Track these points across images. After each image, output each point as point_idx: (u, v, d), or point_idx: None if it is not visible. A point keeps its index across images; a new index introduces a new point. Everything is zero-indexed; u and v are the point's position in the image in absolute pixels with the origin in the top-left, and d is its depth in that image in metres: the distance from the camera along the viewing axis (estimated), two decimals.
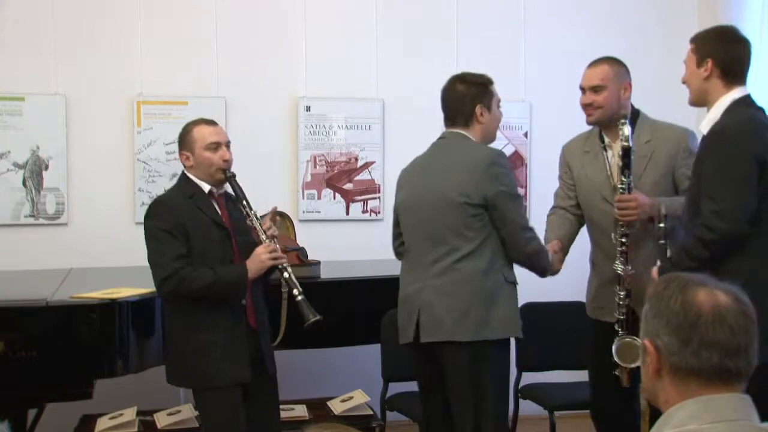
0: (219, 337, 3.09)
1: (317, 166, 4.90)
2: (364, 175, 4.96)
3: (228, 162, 3.21)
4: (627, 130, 3.21)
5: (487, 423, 3.12)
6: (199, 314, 3.09)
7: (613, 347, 3.17)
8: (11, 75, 4.53)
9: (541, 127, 5.16)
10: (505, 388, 3.24)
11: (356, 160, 4.95)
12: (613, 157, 3.39)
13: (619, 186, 3.26)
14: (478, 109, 3.20)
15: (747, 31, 4.76)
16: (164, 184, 4.66)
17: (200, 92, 4.72)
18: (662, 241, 3.02)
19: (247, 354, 3.15)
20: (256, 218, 3.21)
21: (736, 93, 2.89)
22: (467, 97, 3.21)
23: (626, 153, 3.22)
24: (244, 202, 3.22)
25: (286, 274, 3.18)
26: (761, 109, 2.91)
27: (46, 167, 4.54)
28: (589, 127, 3.56)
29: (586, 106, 3.43)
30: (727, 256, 2.74)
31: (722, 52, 2.89)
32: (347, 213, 4.94)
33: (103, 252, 4.54)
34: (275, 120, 4.86)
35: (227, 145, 3.24)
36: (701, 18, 5.28)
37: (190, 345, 3.09)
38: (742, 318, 1.50)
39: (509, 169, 3.24)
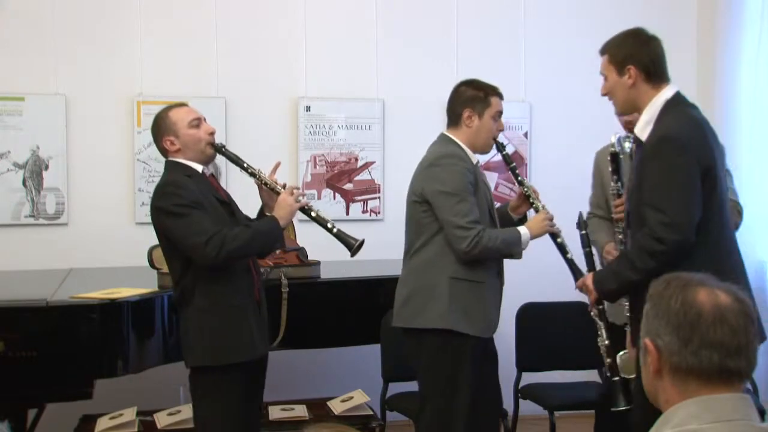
0: (246, 313, 3.09)
1: (317, 166, 4.90)
2: (364, 175, 4.96)
3: (213, 135, 3.17)
4: (615, 137, 3.29)
5: (425, 413, 3.26)
6: (221, 293, 3.05)
7: (618, 361, 3.13)
8: (11, 75, 4.53)
9: (541, 127, 5.16)
10: (453, 383, 3.20)
11: (356, 160, 4.95)
12: (630, 166, 3.42)
13: (611, 192, 3.34)
14: (466, 113, 3.29)
15: (747, 31, 4.83)
16: None
17: (200, 92, 4.72)
18: (587, 249, 3.13)
19: (263, 328, 3.20)
20: (263, 174, 3.20)
21: (666, 92, 2.81)
22: (460, 99, 3.33)
23: (614, 158, 3.29)
24: (245, 164, 3.19)
25: (314, 213, 3.16)
26: (695, 107, 2.85)
27: (46, 167, 4.54)
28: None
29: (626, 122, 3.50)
30: (674, 266, 2.61)
31: (641, 55, 2.84)
32: (347, 213, 4.94)
33: (103, 252, 4.54)
34: (275, 120, 4.86)
35: (204, 119, 3.20)
36: (701, 18, 5.29)
37: (219, 322, 3.04)
38: (743, 318, 1.50)
39: (457, 168, 3.23)
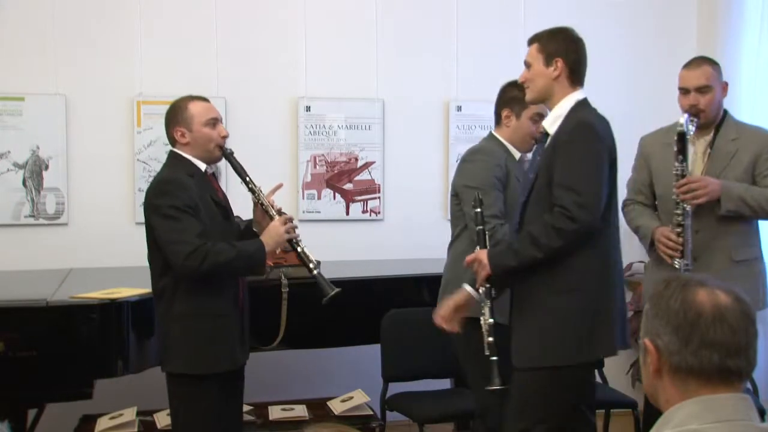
0: (229, 322, 3.08)
1: (317, 166, 4.90)
2: (364, 175, 4.96)
3: (225, 139, 3.15)
4: (683, 118, 3.32)
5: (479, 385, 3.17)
6: (205, 301, 3.03)
7: None
8: (11, 75, 4.52)
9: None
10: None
11: (356, 160, 4.95)
12: (695, 154, 3.48)
13: (674, 172, 3.33)
14: (505, 112, 3.44)
15: (747, 31, 4.83)
16: None
17: (200, 92, 4.62)
18: (480, 227, 3.03)
19: (245, 336, 3.19)
20: (262, 194, 3.18)
21: (578, 94, 2.94)
22: (501, 99, 3.49)
23: (681, 138, 3.31)
24: (248, 178, 3.18)
25: (299, 248, 3.14)
26: (596, 111, 2.98)
27: (46, 167, 4.54)
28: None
29: (691, 107, 3.43)
30: (576, 248, 2.75)
31: (570, 51, 2.94)
32: (347, 213, 4.94)
33: (103, 252, 4.54)
34: (275, 120, 4.86)
35: (221, 120, 3.20)
36: (701, 18, 5.29)
37: (202, 330, 3.03)
38: (743, 318, 1.50)
39: (483, 163, 3.34)
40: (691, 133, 3.35)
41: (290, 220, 3.16)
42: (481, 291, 2.97)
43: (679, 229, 3.32)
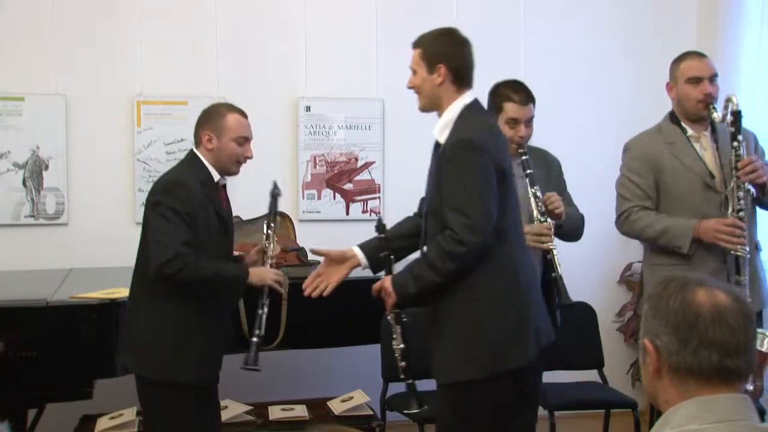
0: (206, 334, 3.04)
1: (317, 166, 4.90)
2: (364, 175, 4.96)
3: (247, 160, 3.15)
4: (735, 98, 3.36)
5: None
6: (187, 309, 3.00)
7: None
8: (11, 75, 4.52)
9: (540, 127, 5.13)
10: None
11: (356, 160, 4.95)
12: (703, 149, 3.45)
13: (734, 154, 3.29)
14: None
15: (747, 31, 4.83)
16: None
17: (200, 92, 4.72)
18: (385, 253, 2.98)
19: (222, 352, 3.14)
20: (271, 246, 3.20)
21: (466, 98, 2.85)
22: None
23: (737, 118, 3.30)
24: (272, 224, 3.20)
25: (266, 309, 3.14)
26: (490, 114, 2.96)
27: (46, 167, 4.54)
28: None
29: (707, 96, 3.40)
30: (472, 267, 2.71)
31: (453, 56, 2.85)
32: (347, 213, 4.94)
33: (103, 252, 4.53)
34: (275, 120, 4.86)
35: (250, 141, 3.18)
36: (701, 18, 5.29)
37: (176, 338, 3.00)
38: (742, 317, 1.50)
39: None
40: (717, 119, 3.37)
41: (284, 277, 3.19)
42: (390, 318, 2.93)
43: (742, 214, 3.27)
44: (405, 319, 2.92)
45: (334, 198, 4.92)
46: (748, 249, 3.28)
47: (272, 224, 3.20)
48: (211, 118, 3.12)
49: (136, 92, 4.65)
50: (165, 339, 3.02)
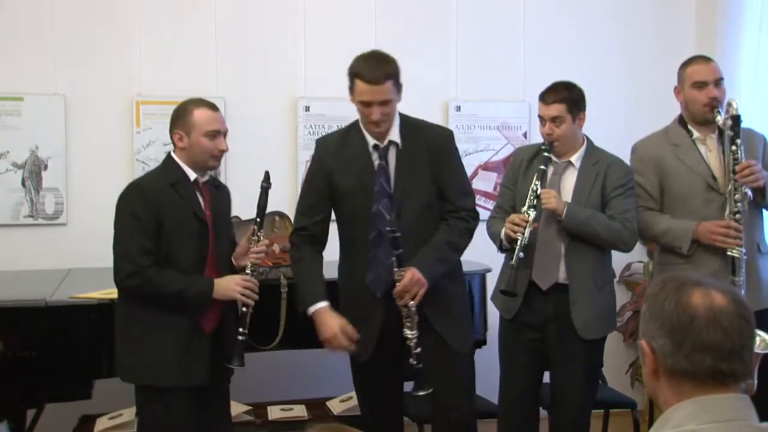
0: (181, 335, 2.98)
1: None
2: None
3: (223, 153, 3.08)
4: (735, 103, 3.42)
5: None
6: (158, 313, 2.97)
7: None
8: (10, 75, 4.52)
9: (537, 126, 5.15)
10: None
11: None
12: (708, 151, 3.47)
13: (733, 157, 3.33)
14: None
15: (746, 31, 4.83)
16: None
17: (199, 92, 4.66)
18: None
19: (207, 356, 3.04)
20: (257, 240, 3.12)
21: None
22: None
23: (737, 122, 3.35)
24: (258, 219, 3.12)
25: (245, 309, 3.06)
26: None
27: (45, 167, 4.54)
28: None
29: (713, 99, 3.43)
30: None
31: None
32: None
33: (102, 252, 4.46)
34: (274, 120, 4.86)
35: (225, 134, 3.11)
36: (700, 18, 5.29)
37: (152, 341, 2.96)
38: (737, 319, 1.49)
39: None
40: (720, 123, 3.40)
41: (253, 284, 3.07)
42: (412, 306, 3.03)
43: (738, 216, 3.31)
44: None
45: None
46: (744, 251, 3.31)
47: (257, 219, 3.12)
48: (179, 116, 3.07)
49: (136, 92, 4.65)
50: (139, 341, 2.99)
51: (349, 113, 4.92)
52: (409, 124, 3.20)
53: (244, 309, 3.07)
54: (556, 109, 3.38)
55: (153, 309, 2.97)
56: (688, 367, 1.49)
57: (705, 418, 1.47)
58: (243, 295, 3.04)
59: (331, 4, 4.94)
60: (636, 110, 5.10)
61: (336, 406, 4.11)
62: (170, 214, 2.98)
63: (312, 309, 3.12)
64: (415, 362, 3.01)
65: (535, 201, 3.28)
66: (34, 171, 4.53)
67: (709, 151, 3.49)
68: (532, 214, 3.26)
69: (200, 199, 3.08)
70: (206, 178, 3.14)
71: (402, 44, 5.00)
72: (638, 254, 5.28)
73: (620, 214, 3.36)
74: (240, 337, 3.05)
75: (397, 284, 3.01)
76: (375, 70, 3.14)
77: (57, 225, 4.57)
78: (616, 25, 5.26)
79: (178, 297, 2.95)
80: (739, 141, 3.34)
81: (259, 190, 3.18)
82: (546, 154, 3.39)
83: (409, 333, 3.01)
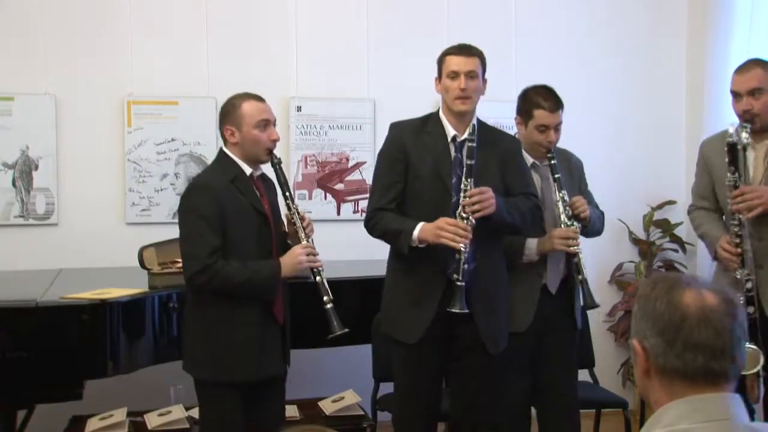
0: (255, 332, 3.02)
1: (308, 167, 4.90)
2: (355, 176, 4.96)
3: (275, 143, 3.10)
4: (732, 128, 3.25)
5: None
6: (231, 309, 3.00)
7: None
8: (1, 75, 4.51)
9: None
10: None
11: (347, 160, 4.94)
12: (756, 159, 3.40)
13: (727, 182, 3.27)
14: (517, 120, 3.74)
15: (736, 31, 4.84)
16: (155, 184, 4.66)
17: (191, 92, 4.71)
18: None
19: (279, 348, 3.13)
20: (298, 213, 3.13)
21: None
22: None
23: (731, 149, 3.24)
24: (287, 193, 3.13)
25: (319, 278, 3.09)
26: None
27: (36, 167, 4.52)
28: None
29: (744, 112, 3.34)
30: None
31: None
32: (338, 213, 4.94)
33: (93, 252, 4.52)
34: None
35: (274, 123, 3.13)
36: (691, 17, 5.31)
37: (225, 340, 2.99)
38: (728, 319, 1.50)
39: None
40: (745, 141, 3.26)
41: (314, 251, 3.11)
42: (457, 278, 3.08)
43: (737, 240, 3.25)
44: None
45: (325, 198, 4.92)
46: (748, 272, 3.25)
47: (286, 193, 3.13)
48: (228, 112, 3.11)
49: (127, 92, 4.64)
50: (201, 338, 3.04)
51: (341, 113, 4.96)
52: (484, 126, 3.30)
53: (317, 278, 3.10)
54: (560, 115, 3.42)
55: (225, 304, 3.00)
56: (680, 366, 1.49)
57: (696, 418, 1.48)
58: (311, 261, 3.08)
59: (323, 4, 4.94)
60: (626, 108, 5.11)
61: (328, 407, 4.10)
62: (234, 211, 3.00)
63: (415, 233, 3.12)
64: (458, 277, 3.07)
65: (569, 210, 3.40)
66: (24, 171, 4.51)
67: (757, 157, 3.39)
68: (575, 223, 3.40)
69: (257, 193, 3.10)
70: (259, 172, 3.16)
71: (395, 44, 5.02)
72: (629, 254, 5.30)
73: None
74: (329, 306, 3.10)
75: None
76: (465, 47, 3.33)
77: (48, 225, 4.56)
78: (608, 26, 5.26)
79: (248, 285, 2.97)
80: (733, 168, 3.27)
81: (274, 171, 3.18)
82: (553, 161, 3.40)
83: (462, 247, 3.05)
